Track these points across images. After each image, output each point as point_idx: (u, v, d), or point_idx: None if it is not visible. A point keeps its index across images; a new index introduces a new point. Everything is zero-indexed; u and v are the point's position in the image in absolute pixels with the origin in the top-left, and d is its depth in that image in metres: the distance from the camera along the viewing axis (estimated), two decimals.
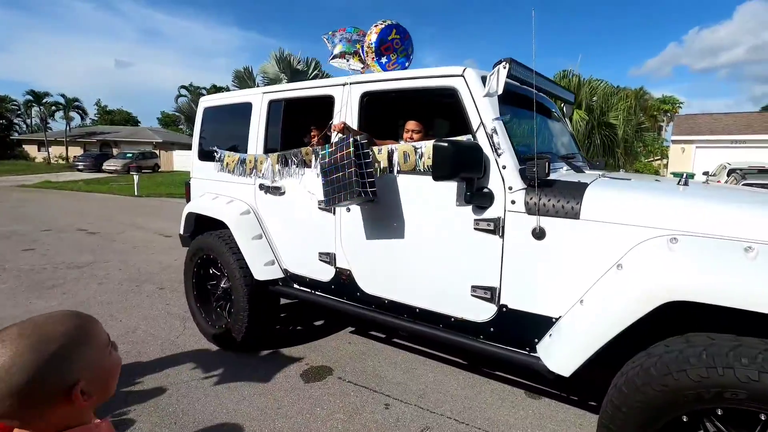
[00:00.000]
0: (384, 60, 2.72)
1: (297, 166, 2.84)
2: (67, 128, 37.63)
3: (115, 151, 33.01)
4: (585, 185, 1.98)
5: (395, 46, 2.76)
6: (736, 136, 21.15)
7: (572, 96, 3.28)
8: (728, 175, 13.45)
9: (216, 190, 3.45)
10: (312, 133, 3.22)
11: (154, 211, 11.43)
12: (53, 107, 37.32)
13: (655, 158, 24.25)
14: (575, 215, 1.90)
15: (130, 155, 28.25)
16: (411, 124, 2.66)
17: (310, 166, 2.78)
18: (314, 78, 12.54)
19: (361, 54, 2.99)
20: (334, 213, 2.70)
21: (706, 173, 16.81)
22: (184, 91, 29.85)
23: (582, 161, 2.98)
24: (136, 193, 15.22)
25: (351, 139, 2.32)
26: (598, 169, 3.19)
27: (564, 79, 9.67)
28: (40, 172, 26.04)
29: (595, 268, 1.85)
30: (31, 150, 39.63)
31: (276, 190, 3.00)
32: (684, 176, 2.19)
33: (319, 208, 2.76)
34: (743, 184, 9.86)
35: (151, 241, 7.42)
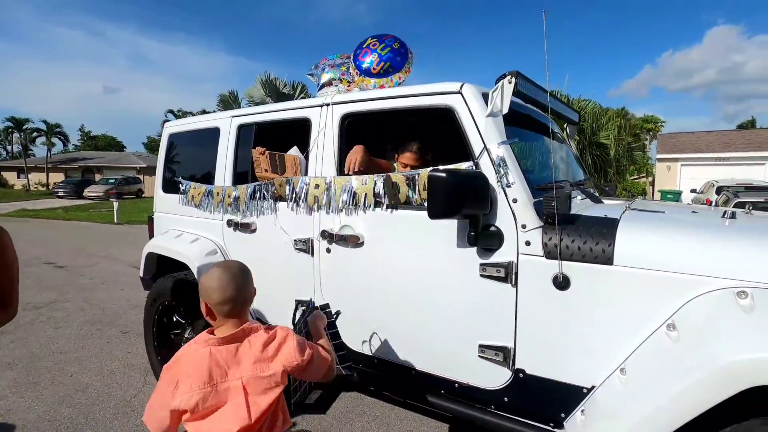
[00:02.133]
0: (366, 64, 2.32)
1: (269, 200, 2.45)
2: (48, 154, 36.84)
3: (97, 177, 32.30)
4: (615, 222, 1.62)
5: (372, 47, 2.38)
6: (718, 153, 21.47)
7: (577, 115, 2.97)
8: (717, 192, 13.44)
9: (180, 227, 3.03)
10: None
11: (132, 239, 10.85)
12: (34, 133, 36.56)
13: (641, 176, 24.43)
14: (607, 260, 1.53)
15: (113, 181, 27.59)
16: (407, 157, 2.32)
17: (284, 200, 2.39)
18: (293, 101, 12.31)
19: (348, 77, 2.66)
20: (312, 254, 2.30)
21: (693, 191, 16.89)
22: (171, 116, 29.52)
23: (593, 188, 2.65)
24: (115, 221, 14.61)
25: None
26: (613, 197, 2.86)
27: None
28: (18, 199, 25.18)
29: (636, 327, 1.48)
30: (9, 177, 38.55)
31: (246, 227, 2.59)
32: (726, 211, 1.84)
33: (296, 248, 2.36)
34: (736, 203, 9.74)
35: (123, 275, 6.89)
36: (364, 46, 2.47)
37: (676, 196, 17.10)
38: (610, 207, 2.00)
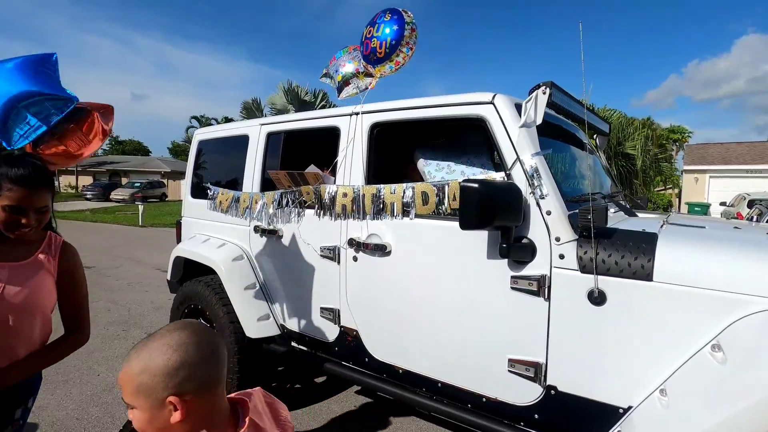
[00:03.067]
0: (372, 54, 2.19)
1: (296, 207, 2.47)
2: None
3: (123, 181, 33.26)
4: (654, 236, 1.57)
5: (368, 36, 2.24)
6: (749, 165, 20.75)
7: (607, 126, 2.92)
8: (749, 206, 12.96)
9: (208, 232, 3.09)
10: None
11: (155, 242, 11.10)
12: None
13: (668, 187, 23.78)
14: (646, 276, 1.48)
15: (138, 184, 28.36)
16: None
17: (311, 207, 2.40)
18: (322, 109, 12.46)
19: (361, 68, 2.62)
20: (338, 262, 2.30)
21: (723, 203, 16.33)
22: (194, 122, 30.28)
23: (624, 200, 2.59)
24: (140, 223, 14.99)
25: None
26: (644, 209, 2.78)
27: None
28: None
29: (677, 347, 1.42)
30: None
31: (272, 234, 2.62)
32: (764, 224, 1.77)
33: (321, 255, 2.37)
34: None
35: (147, 277, 7.04)
36: (364, 41, 2.36)
37: (704, 208, 16.56)
38: (646, 220, 1.94)
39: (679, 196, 22.89)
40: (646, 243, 1.54)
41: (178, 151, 48.72)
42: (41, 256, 1.37)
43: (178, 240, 3.43)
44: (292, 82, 14.02)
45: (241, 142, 2.90)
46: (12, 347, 1.26)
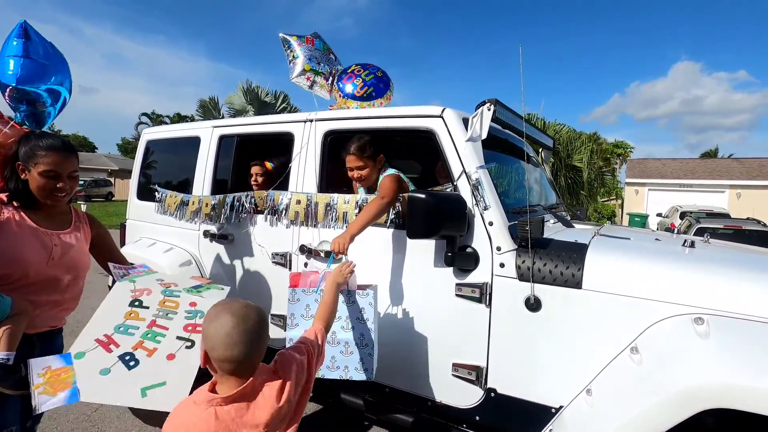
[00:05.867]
0: (350, 88, 2.41)
1: (248, 212, 2.44)
2: None
3: None
4: (585, 247, 1.70)
5: (357, 73, 2.47)
6: (683, 180, 22.55)
7: (551, 141, 3.10)
8: (681, 217, 14.09)
9: (154, 235, 2.97)
10: (253, 171, 2.83)
11: None
12: None
13: (611, 198, 25.33)
14: (576, 284, 1.60)
15: (81, 183, 26.59)
16: (351, 160, 2.07)
17: (262, 212, 2.38)
18: (282, 112, 12.28)
19: (326, 83, 2.69)
20: (290, 268, 2.29)
21: (659, 215, 17.66)
22: (145, 118, 28.76)
23: (566, 211, 2.76)
24: None
25: None
26: (583, 220, 2.98)
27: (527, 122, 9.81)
28: None
29: (602, 349, 1.54)
30: None
31: (223, 239, 2.56)
32: (686, 240, 1.95)
33: (273, 262, 2.35)
34: (698, 228, 10.24)
35: (88, 282, 6.56)
36: (348, 71, 2.55)
37: (644, 219, 17.82)
38: (580, 232, 2.09)
39: (621, 207, 24.47)
40: (577, 253, 1.66)
41: (128, 149, 46.09)
42: (76, 226, 1.63)
43: (122, 243, 3.27)
44: (252, 83, 13.67)
45: (193, 143, 2.82)
46: (68, 302, 1.53)
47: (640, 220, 17.33)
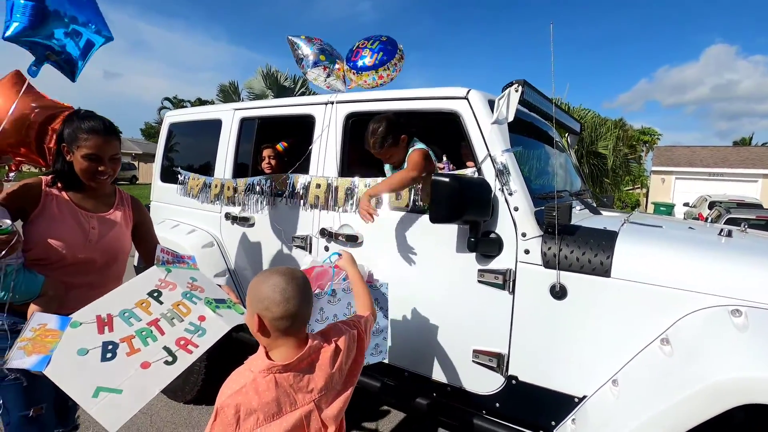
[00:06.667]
0: (361, 62, 2.31)
1: (268, 195, 2.44)
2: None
3: None
4: (614, 234, 1.64)
5: (362, 46, 2.36)
6: (713, 168, 21.71)
7: (579, 125, 2.99)
8: (710, 207, 13.58)
9: (177, 217, 3.01)
10: (265, 154, 2.82)
11: None
12: None
13: (636, 187, 24.63)
14: (605, 272, 1.55)
15: None
16: (374, 154, 2.03)
17: (282, 196, 2.38)
18: (298, 97, 12.23)
19: (343, 65, 2.63)
20: (309, 251, 2.30)
21: (686, 204, 17.06)
22: (167, 103, 29.20)
23: (591, 198, 2.68)
24: None
25: None
26: (610, 208, 2.88)
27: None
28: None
29: (630, 339, 1.49)
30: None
31: (244, 221, 2.58)
32: (723, 229, 1.87)
33: (294, 245, 2.36)
34: (728, 219, 9.86)
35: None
36: (354, 49, 2.45)
37: (669, 208, 17.28)
38: (609, 219, 2.02)
39: (646, 195, 23.78)
40: (606, 240, 1.60)
41: (151, 133, 46.93)
42: (119, 208, 1.63)
43: None
44: (271, 67, 13.67)
45: (214, 126, 2.84)
46: (105, 284, 1.47)
47: (665, 210, 16.82)
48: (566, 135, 3.12)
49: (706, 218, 11.06)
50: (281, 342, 1.10)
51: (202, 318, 1.44)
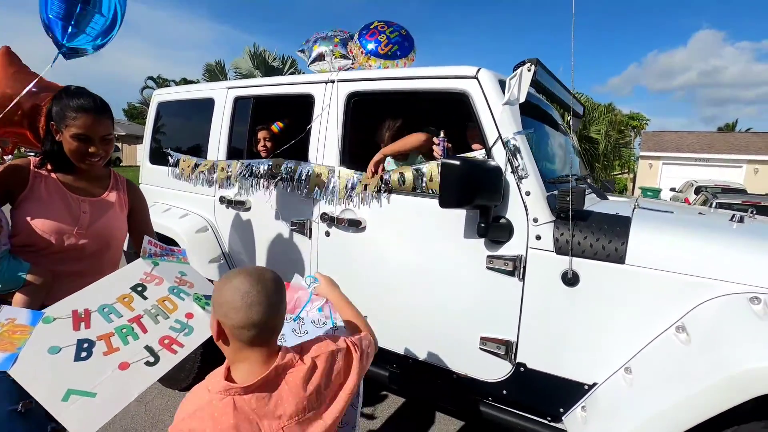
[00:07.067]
0: (373, 45, 2.25)
1: (265, 178, 2.35)
2: None
3: None
4: (628, 220, 1.60)
5: (380, 29, 2.32)
6: (699, 154, 21.98)
7: (582, 108, 2.94)
8: (696, 192, 13.77)
9: (169, 201, 2.90)
10: (260, 136, 2.71)
11: None
12: None
13: (623, 171, 24.86)
14: (619, 259, 1.51)
15: None
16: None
17: (279, 179, 2.29)
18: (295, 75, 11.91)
19: (343, 50, 2.54)
20: (309, 237, 2.23)
21: (673, 189, 17.29)
22: (150, 82, 28.24)
23: (595, 183, 2.64)
24: None
25: None
26: (612, 193, 2.85)
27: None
28: None
29: (644, 327, 1.47)
30: None
31: (240, 205, 2.49)
32: (734, 215, 1.84)
33: (292, 230, 2.28)
34: (715, 203, 10.02)
35: None
36: (371, 27, 2.39)
37: (656, 193, 17.48)
38: (618, 204, 1.98)
39: (633, 180, 24.02)
40: (620, 226, 1.56)
41: (134, 114, 45.63)
42: (113, 192, 1.53)
43: None
44: (259, 47, 13.28)
45: (206, 105, 2.71)
46: (101, 271, 1.38)
47: (652, 195, 17.01)
48: (568, 118, 3.06)
49: (693, 203, 11.23)
50: (246, 355, 0.95)
51: (189, 315, 1.33)
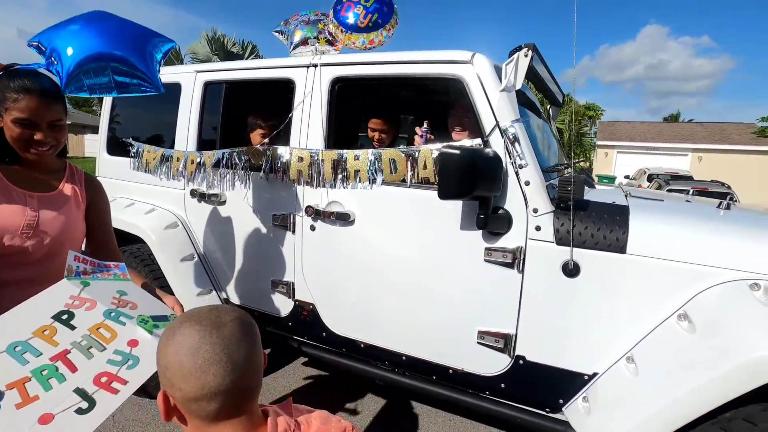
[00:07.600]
0: (352, 19, 2.05)
1: (241, 170, 2.18)
2: None
3: None
4: (626, 209, 1.59)
5: (354, 0, 2.12)
6: (650, 143, 23.21)
7: (563, 96, 2.94)
8: (649, 180, 14.57)
9: (131, 195, 2.67)
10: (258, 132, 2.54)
11: None
12: None
13: (581, 160, 25.87)
14: (620, 248, 1.50)
15: None
16: (376, 123, 2.20)
17: (258, 170, 2.13)
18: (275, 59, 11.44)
19: (328, 35, 2.38)
20: (293, 231, 2.09)
21: (627, 176, 18.21)
22: None
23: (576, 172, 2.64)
24: None
25: None
26: (592, 182, 2.89)
27: None
28: None
29: (646, 316, 1.47)
30: None
31: (213, 198, 2.31)
32: (721, 202, 1.88)
33: (273, 225, 2.14)
34: (667, 190, 10.60)
35: None
36: (344, 0, 2.20)
37: (611, 180, 18.35)
38: (609, 193, 1.99)
39: (590, 168, 25.07)
40: (620, 216, 1.55)
41: (80, 102, 42.63)
42: (68, 186, 1.36)
43: None
44: (217, 31, 12.68)
45: (171, 91, 2.48)
46: (50, 280, 1.17)
47: (608, 182, 17.84)
48: (549, 106, 3.07)
49: (650, 188, 11.84)
50: (212, 429, 0.68)
51: (133, 343, 1.07)
